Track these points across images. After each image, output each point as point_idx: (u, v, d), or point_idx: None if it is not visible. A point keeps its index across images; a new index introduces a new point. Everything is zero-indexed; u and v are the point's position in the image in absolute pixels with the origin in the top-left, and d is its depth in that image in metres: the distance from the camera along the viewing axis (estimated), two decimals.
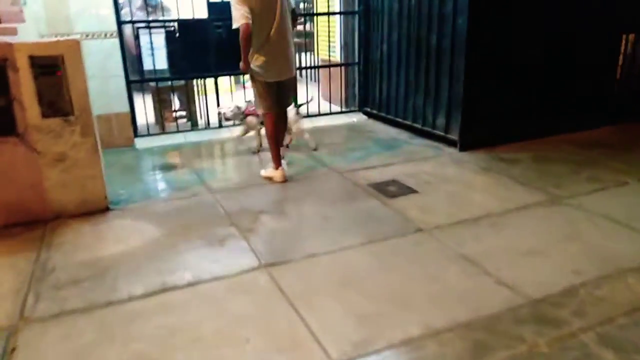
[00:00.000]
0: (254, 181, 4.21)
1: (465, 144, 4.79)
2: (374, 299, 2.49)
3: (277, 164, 4.15)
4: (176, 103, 6.03)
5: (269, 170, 4.22)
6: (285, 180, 4.11)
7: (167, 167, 4.67)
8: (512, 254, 2.89)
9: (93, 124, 3.48)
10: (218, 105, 5.50)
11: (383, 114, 5.97)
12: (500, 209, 3.48)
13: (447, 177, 4.18)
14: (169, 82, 5.55)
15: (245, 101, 4.97)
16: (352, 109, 6.47)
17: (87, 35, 4.94)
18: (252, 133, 4.97)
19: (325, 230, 3.27)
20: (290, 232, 3.29)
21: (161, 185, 4.27)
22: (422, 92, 5.18)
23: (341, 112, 6.39)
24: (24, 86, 3.24)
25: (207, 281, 2.70)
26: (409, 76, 5.40)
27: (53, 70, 3.27)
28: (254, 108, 4.49)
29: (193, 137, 5.63)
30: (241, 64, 3.83)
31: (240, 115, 4.85)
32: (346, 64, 6.37)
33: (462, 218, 3.36)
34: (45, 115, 3.33)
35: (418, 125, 5.35)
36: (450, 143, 4.93)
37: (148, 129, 5.55)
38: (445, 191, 3.87)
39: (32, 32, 4.59)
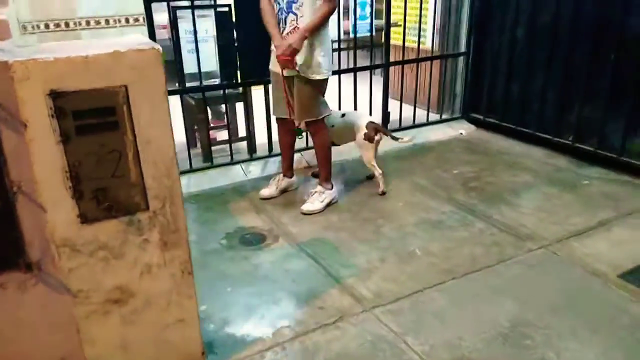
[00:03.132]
0: (427, 267, 2.52)
1: None
2: None
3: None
4: (215, 118, 4.15)
5: (326, 194, 3.22)
6: None
7: (252, 239, 2.88)
8: None
9: (184, 221, 1.68)
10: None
11: (511, 126, 4.30)
12: None
13: None
14: (221, 91, 3.66)
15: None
16: (454, 115, 4.77)
17: (97, 22, 3.02)
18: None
19: None
20: None
21: (266, 289, 2.45)
22: (603, 100, 3.55)
23: (441, 121, 4.69)
24: (40, 160, 1.40)
25: None
26: (571, 77, 3.75)
27: (104, 121, 1.44)
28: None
29: (256, 170, 3.82)
30: (292, 41, 2.73)
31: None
32: (448, 56, 4.63)
33: None
34: (87, 218, 1.51)
35: (588, 148, 3.73)
36: None
37: (190, 161, 3.68)
38: None
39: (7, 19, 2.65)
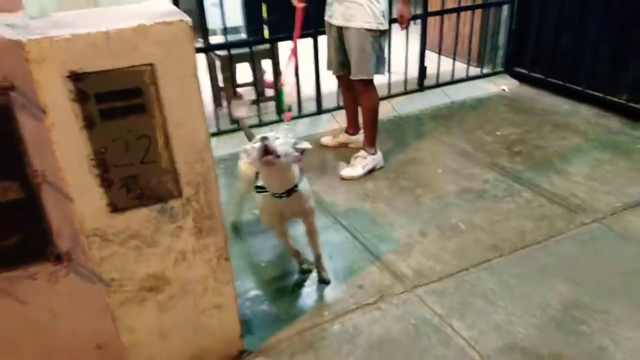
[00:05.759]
0: (472, 242, 2.38)
1: None
2: None
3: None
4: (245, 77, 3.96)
5: (368, 160, 3.04)
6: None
7: None
8: None
9: (219, 207, 1.57)
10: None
11: (558, 82, 4.00)
12: None
13: None
14: (247, 48, 3.46)
15: None
16: (495, 70, 4.46)
17: None
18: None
19: None
20: None
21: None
22: None
23: (482, 76, 4.39)
24: (64, 147, 1.28)
25: None
26: (631, 28, 3.41)
27: (130, 104, 1.30)
28: None
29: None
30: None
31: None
32: (490, 4, 4.27)
33: None
34: (116, 207, 1.40)
35: None
36: None
37: (218, 123, 3.55)
38: None
39: None
